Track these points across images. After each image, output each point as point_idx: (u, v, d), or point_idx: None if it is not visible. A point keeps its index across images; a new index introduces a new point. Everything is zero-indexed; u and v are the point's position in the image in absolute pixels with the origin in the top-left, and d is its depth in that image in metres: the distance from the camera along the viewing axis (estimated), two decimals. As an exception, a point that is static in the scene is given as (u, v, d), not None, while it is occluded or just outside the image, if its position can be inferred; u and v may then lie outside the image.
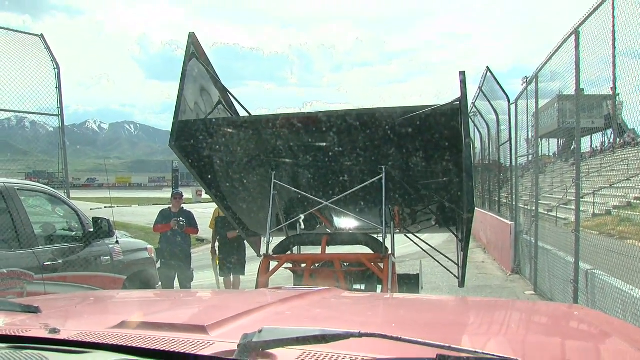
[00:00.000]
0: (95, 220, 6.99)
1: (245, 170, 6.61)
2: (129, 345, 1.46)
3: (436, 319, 2.30)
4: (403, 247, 9.16)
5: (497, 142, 15.94)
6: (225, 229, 9.70)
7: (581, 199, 8.12)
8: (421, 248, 7.49)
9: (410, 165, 6.19)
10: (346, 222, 7.47)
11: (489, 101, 15.32)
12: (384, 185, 5.83)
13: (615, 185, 8.79)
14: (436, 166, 6.17)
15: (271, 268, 6.01)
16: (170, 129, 5.85)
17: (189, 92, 6.19)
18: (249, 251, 8.49)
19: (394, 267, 6.04)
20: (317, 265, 6.43)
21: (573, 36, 7.68)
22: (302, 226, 6.68)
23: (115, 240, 7.26)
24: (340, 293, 2.91)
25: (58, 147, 10.63)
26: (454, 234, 7.13)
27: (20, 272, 5.66)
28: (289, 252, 6.50)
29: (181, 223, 9.50)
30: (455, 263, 7.13)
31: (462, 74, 5.56)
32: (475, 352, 1.22)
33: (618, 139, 10.39)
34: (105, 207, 22.15)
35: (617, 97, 7.33)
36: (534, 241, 10.89)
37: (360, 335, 1.32)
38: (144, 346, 1.44)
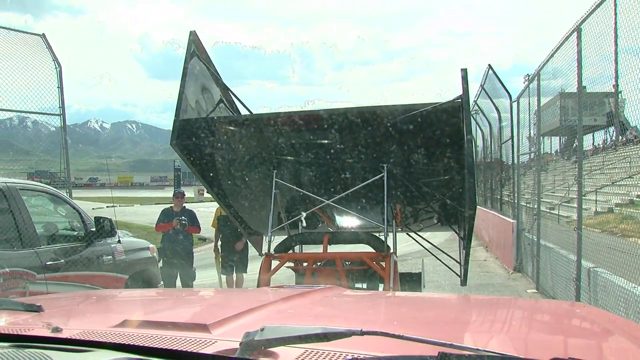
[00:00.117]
0: (97, 219, 7.00)
1: (247, 169, 6.60)
2: (131, 343, 1.46)
3: (438, 317, 2.29)
4: (405, 245, 9.16)
5: (499, 140, 15.93)
6: (227, 228, 9.70)
7: (583, 197, 8.11)
8: (423, 246, 7.49)
9: (412, 163, 6.18)
10: (348, 221, 7.46)
11: (490, 99, 15.30)
12: (385, 184, 5.82)
13: (617, 183, 8.78)
14: (438, 164, 6.16)
15: (273, 267, 6.01)
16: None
17: (190, 90, 6.19)
18: (252, 250, 8.51)
19: (395, 266, 6.03)
20: (318, 264, 6.42)
21: (575, 33, 7.67)
22: (304, 224, 6.68)
23: (117, 239, 7.27)
24: (342, 291, 2.91)
25: (60, 146, 10.64)
26: (455, 232, 7.12)
27: (23, 271, 5.66)
28: (290, 251, 6.49)
29: (183, 222, 9.50)
30: (457, 261, 7.12)
31: (464, 71, 5.56)
32: (477, 349, 1.22)
33: (620, 137, 10.37)
34: (107, 207, 22.16)
35: (619, 95, 7.31)
36: (536, 239, 10.88)
37: (362, 333, 1.32)
38: (146, 345, 1.44)
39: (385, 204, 5.83)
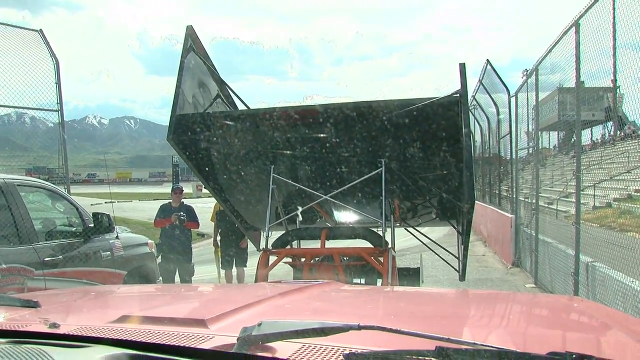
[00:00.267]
0: (96, 215, 6.99)
1: (244, 164, 6.59)
2: (129, 339, 1.46)
3: (436, 311, 2.30)
4: (403, 240, 9.16)
5: (497, 135, 15.93)
6: (225, 222, 9.70)
7: (581, 192, 8.11)
8: (421, 242, 7.49)
9: (410, 158, 6.18)
10: (346, 216, 7.46)
11: (489, 94, 15.30)
12: (383, 179, 5.82)
13: (615, 178, 8.77)
14: (436, 158, 6.16)
15: (270, 262, 6.01)
16: None
17: (186, 85, 6.18)
18: (251, 244, 8.53)
19: (394, 261, 6.03)
20: (316, 259, 6.43)
21: (573, 28, 7.66)
22: (300, 219, 6.69)
23: (116, 235, 7.26)
24: (339, 286, 2.91)
25: (58, 142, 10.62)
26: (454, 227, 7.13)
27: (21, 267, 5.66)
28: (288, 247, 6.50)
29: (182, 217, 9.50)
30: (455, 256, 7.13)
31: (462, 65, 5.57)
32: (475, 343, 1.22)
33: (618, 132, 10.37)
34: (105, 203, 22.12)
35: (618, 90, 7.31)
36: (534, 234, 10.90)
37: (360, 327, 1.32)
38: (144, 340, 1.44)
39: (383, 199, 5.83)
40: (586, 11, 7.19)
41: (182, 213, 9.58)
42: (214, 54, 6.96)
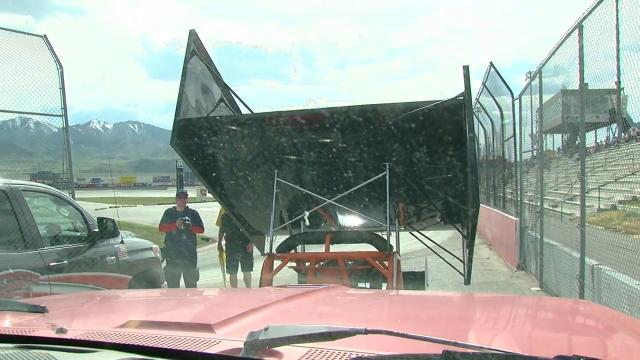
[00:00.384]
0: (100, 220, 7.00)
1: (248, 168, 6.59)
2: (136, 344, 1.46)
3: (442, 315, 2.29)
4: (408, 244, 9.15)
5: (501, 138, 15.93)
6: (231, 226, 9.70)
7: (586, 194, 8.10)
8: (426, 245, 7.47)
9: (415, 162, 6.17)
10: (350, 220, 7.44)
11: (492, 97, 15.30)
12: (387, 182, 5.81)
13: (620, 180, 8.76)
14: (440, 162, 6.14)
15: (275, 267, 6.00)
16: None
17: (190, 90, 6.18)
18: (256, 249, 8.52)
19: (398, 265, 6.01)
20: (321, 263, 6.41)
21: (577, 30, 7.66)
22: (307, 223, 6.68)
23: (120, 240, 7.27)
24: (345, 290, 2.91)
25: (62, 147, 10.66)
26: (459, 230, 7.10)
27: (26, 272, 5.67)
28: (292, 251, 6.49)
29: (187, 222, 9.51)
30: (460, 260, 7.10)
31: (466, 68, 5.56)
32: (482, 347, 1.22)
33: (623, 133, 10.36)
34: (110, 207, 22.17)
35: (622, 92, 7.30)
36: (539, 237, 10.87)
37: (367, 332, 1.32)
38: (150, 345, 1.44)
39: (388, 202, 5.81)
40: (589, 13, 7.18)
41: (186, 217, 9.59)
42: (217, 58, 6.97)
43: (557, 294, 9.22)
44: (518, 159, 13.61)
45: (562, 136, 14.91)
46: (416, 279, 7.18)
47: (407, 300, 2.89)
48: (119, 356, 1.38)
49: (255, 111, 7.08)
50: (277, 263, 6.07)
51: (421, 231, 7.31)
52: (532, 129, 12.88)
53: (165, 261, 9.18)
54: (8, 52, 9.71)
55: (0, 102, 9.56)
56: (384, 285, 5.91)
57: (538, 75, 10.72)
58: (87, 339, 1.55)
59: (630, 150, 8.81)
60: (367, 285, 6.23)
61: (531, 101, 12.12)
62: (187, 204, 10.22)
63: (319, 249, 6.36)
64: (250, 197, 6.95)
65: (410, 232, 7.38)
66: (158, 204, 33.57)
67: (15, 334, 1.66)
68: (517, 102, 13.39)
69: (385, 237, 6.02)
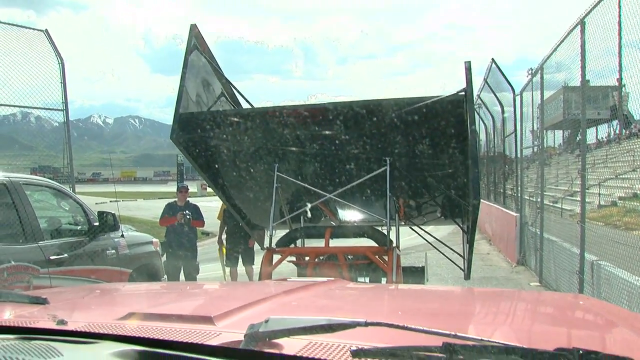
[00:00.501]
0: (101, 214, 7.00)
1: (248, 163, 6.59)
2: (137, 335, 1.47)
3: (442, 308, 2.30)
4: (408, 239, 9.15)
5: (502, 134, 15.92)
6: (233, 219, 9.71)
7: (587, 190, 8.10)
8: (426, 240, 7.47)
9: (416, 157, 6.17)
10: (351, 215, 7.45)
11: (494, 93, 15.29)
12: (388, 177, 5.80)
13: (620, 177, 8.75)
14: (442, 157, 6.14)
15: (274, 261, 6.00)
16: None
17: (190, 84, 6.17)
18: (256, 244, 8.52)
19: (398, 260, 6.02)
20: (321, 258, 6.42)
21: (579, 27, 7.64)
22: (309, 215, 6.68)
23: (121, 233, 7.28)
24: (345, 284, 2.91)
25: (63, 142, 10.66)
26: (459, 226, 7.11)
27: (26, 265, 5.68)
28: (292, 245, 6.49)
29: (187, 216, 9.52)
30: (460, 255, 7.11)
31: (468, 63, 5.56)
32: (481, 340, 1.22)
33: (624, 130, 10.35)
34: (110, 201, 22.20)
35: (623, 88, 7.29)
36: (539, 233, 10.87)
37: (367, 324, 1.33)
38: (151, 336, 1.45)
39: (388, 197, 5.81)
40: (592, 9, 7.17)
41: (187, 212, 9.60)
42: (218, 53, 6.96)
43: (557, 290, 9.23)
44: (519, 155, 13.61)
45: (563, 132, 14.90)
46: (416, 274, 7.18)
47: (407, 294, 2.89)
48: (120, 347, 1.39)
49: (256, 106, 7.08)
50: (277, 257, 6.07)
51: (421, 226, 7.31)
52: (533, 125, 12.88)
53: (165, 255, 9.19)
54: (10, 47, 9.71)
55: (2, 96, 9.57)
56: (384, 280, 5.92)
57: (539, 71, 10.71)
58: (88, 331, 1.56)
59: (631, 146, 8.81)
60: (367, 280, 6.24)
61: (532, 97, 12.11)
62: (188, 198, 10.23)
63: (319, 243, 6.37)
64: (250, 192, 6.95)
65: (411, 227, 7.38)
66: (158, 198, 33.61)
67: (17, 325, 1.67)
68: (518, 99, 13.38)
69: (385, 231, 6.03)
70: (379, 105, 5.79)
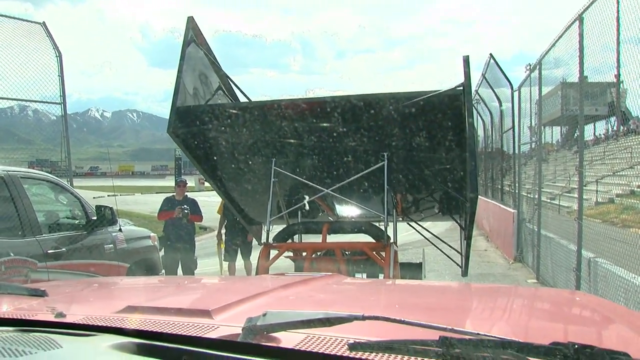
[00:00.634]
0: (99, 208, 7.00)
1: (246, 157, 6.58)
2: (135, 328, 1.47)
3: (439, 303, 2.31)
4: (406, 234, 9.17)
5: (500, 130, 15.93)
6: (232, 214, 9.70)
7: (584, 187, 8.11)
8: (424, 236, 7.48)
9: (413, 151, 6.16)
10: (348, 210, 7.45)
11: (492, 88, 15.29)
12: (386, 172, 5.80)
13: (618, 174, 8.77)
14: (439, 151, 6.14)
15: (271, 257, 6.00)
16: None
17: (187, 78, 6.16)
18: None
19: (396, 256, 6.02)
20: (318, 253, 6.42)
21: (577, 22, 7.64)
22: (307, 208, 6.68)
23: (119, 228, 7.28)
24: (342, 279, 2.92)
25: (61, 135, 10.64)
26: (457, 222, 7.11)
27: (24, 259, 5.67)
28: (289, 241, 6.49)
29: (185, 211, 9.51)
30: (458, 251, 7.12)
31: (466, 57, 5.56)
32: (478, 334, 1.23)
33: (622, 127, 10.36)
34: (108, 196, 22.15)
35: (621, 85, 7.30)
36: (536, 229, 10.89)
37: (364, 318, 1.33)
38: (149, 329, 1.45)
39: (385, 193, 5.81)
40: (590, 5, 7.16)
41: (185, 206, 9.60)
42: (216, 47, 6.95)
43: (554, 286, 9.25)
44: (516, 151, 13.61)
45: (561, 128, 14.92)
46: (413, 270, 7.19)
47: (405, 289, 2.90)
48: (118, 340, 1.39)
49: (254, 100, 7.07)
50: (274, 252, 6.07)
51: (419, 222, 7.31)
52: (531, 121, 12.88)
53: (163, 249, 9.19)
54: (7, 40, 9.67)
55: (-1, 89, 9.55)
56: (381, 276, 5.93)
57: (538, 67, 10.71)
58: (87, 323, 1.56)
59: (629, 143, 8.82)
60: (364, 275, 6.25)
61: (530, 93, 12.11)
62: (186, 193, 10.23)
63: (316, 238, 6.37)
64: (248, 186, 6.95)
65: (408, 223, 7.39)
66: (156, 193, 33.53)
67: (16, 317, 1.67)
68: (516, 94, 13.37)
69: (382, 227, 6.03)
70: (377, 99, 5.79)
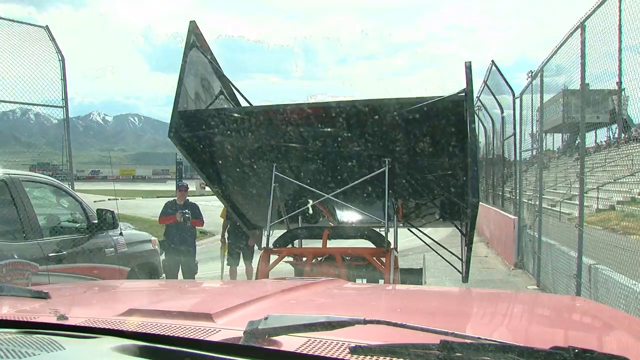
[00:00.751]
0: (100, 211, 7.01)
1: (247, 162, 6.58)
2: (137, 331, 1.48)
3: (439, 308, 2.31)
4: (406, 240, 9.16)
5: (501, 137, 15.93)
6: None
7: (585, 194, 8.11)
8: (424, 242, 7.47)
9: (415, 157, 6.17)
10: (349, 216, 7.45)
11: (493, 95, 15.30)
12: (387, 178, 5.80)
13: (619, 181, 8.77)
14: (441, 158, 6.15)
15: (272, 262, 6.00)
16: None
17: (189, 82, 6.16)
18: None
19: (396, 262, 6.01)
20: (319, 259, 6.41)
21: (579, 30, 7.65)
22: (310, 212, 6.68)
23: (119, 231, 7.28)
24: (343, 284, 2.93)
25: (62, 139, 10.66)
26: (458, 228, 7.11)
27: (25, 262, 5.68)
28: (290, 246, 6.48)
29: (186, 215, 9.52)
30: (459, 258, 7.11)
31: (468, 63, 5.57)
32: (479, 338, 1.24)
33: (623, 134, 10.36)
34: (109, 200, 22.18)
35: (623, 92, 7.31)
36: (537, 236, 10.88)
37: (365, 322, 1.34)
38: (151, 332, 1.46)
39: (386, 198, 5.81)
40: (592, 13, 7.18)
41: (186, 211, 9.60)
42: (219, 51, 6.96)
43: (554, 293, 9.24)
44: (518, 158, 13.61)
45: (562, 136, 14.92)
46: (414, 276, 7.19)
47: (406, 294, 2.90)
48: (121, 342, 1.40)
49: (253, 104, 7.08)
50: (274, 258, 6.07)
51: (420, 228, 7.31)
52: (532, 128, 12.88)
53: (163, 254, 9.19)
54: (10, 43, 9.70)
55: (1, 93, 9.57)
56: (381, 282, 5.92)
57: (539, 74, 10.72)
58: (89, 325, 1.57)
59: (630, 151, 8.82)
60: (364, 281, 6.24)
61: (532, 100, 12.12)
62: (188, 197, 10.23)
63: (317, 244, 6.36)
64: (249, 191, 6.95)
65: (409, 229, 7.39)
66: (157, 197, 33.55)
67: (18, 319, 1.68)
68: (518, 101, 13.38)
69: (383, 233, 6.02)
70: (380, 104, 5.79)
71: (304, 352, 1.30)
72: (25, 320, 1.67)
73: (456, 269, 7.18)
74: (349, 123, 5.84)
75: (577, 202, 8.17)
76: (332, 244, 6.36)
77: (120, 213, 7.66)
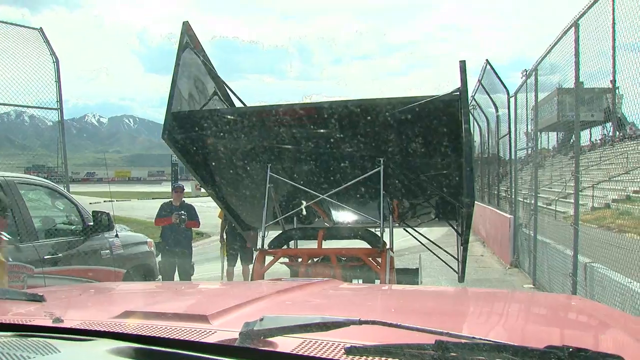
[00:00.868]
0: (95, 213, 6.99)
1: (241, 163, 6.57)
2: (133, 333, 1.48)
3: (435, 308, 2.32)
4: (402, 240, 9.16)
5: (496, 136, 15.95)
6: None
7: (580, 193, 8.13)
8: (420, 242, 7.47)
9: (409, 157, 6.17)
10: (344, 216, 7.44)
11: (488, 94, 15.32)
12: (382, 178, 5.80)
13: (614, 179, 8.78)
14: (436, 157, 6.15)
15: (267, 263, 5.99)
16: None
17: (183, 83, 6.15)
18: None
19: (392, 262, 6.01)
20: (314, 260, 6.41)
21: (573, 29, 7.67)
22: (304, 213, 6.67)
23: (115, 233, 7.27)
24: (339, 284, 2.93)
25: (57, 141, 10.63)
26: (453, 228, 7.11)
27: (21, 265, 5.67)
28: (285, 247, 6.48)
29: (182, 217, 9.50)
30: (454, 257, 7.11)
31: (462, 62, 5.58)
32: (474, 338, 1.24)
33: (617, 132, 10.39)
34: (104, 202, 22.13)
35: (617, 90, 7.33)
36: (533, 234, 10.91)
37: (360, 322, 1.34)
38: (147, 334, 1.46)
39: (381, 198, 5.80)
40: (586, 11, 7.20)
41: (182, 212, 9.59)
42: (213, 52, 6.97)
43: (550, 291, 9.25)
44: (513, 157, 13.64)
45: (557, 134, 14.95)
46: (410, 276, 7.18)
47: (401, 294, 2.91)
48: (116, 345, 1.40)
49: (249, 106, 7.07)
50: (269, 259, 6.06)
51: (415, 228, 7.31)
52: (527, 127, 12.90)
53: (159, 255, 9.18)
54: (4, 45, 9.69)
55: (-4, 95, 9.55)
56: (377, 282, 5.92)
57: (534, 73, 10.75)
58: (85, 328, 1.57)
59: (625, 149, 8.84)
60: (360, 282, 6.24)
61: (527, 99, 12.14)
62: (183, 199, 10.22)
63: (312, 244, 6.36)
64: (244, 192, 6.94)
65: (404, 229, 7.39)
66: (152, 199, 33.51)
67: (14, 322, 1.68)
68: (512, 100, 13.41)
69: (378, 233, 6.02)
70: (374, 104, 5.79)
71: (300, 353, 1.30)
72: (20, 323, 1.67)
73: (452, 268, 7.18)
74: (342, 123, 5.84)
75: (572, 201, 8.19)
76: (328, 244, 6.36)
77: (115, 215, 7.66)
